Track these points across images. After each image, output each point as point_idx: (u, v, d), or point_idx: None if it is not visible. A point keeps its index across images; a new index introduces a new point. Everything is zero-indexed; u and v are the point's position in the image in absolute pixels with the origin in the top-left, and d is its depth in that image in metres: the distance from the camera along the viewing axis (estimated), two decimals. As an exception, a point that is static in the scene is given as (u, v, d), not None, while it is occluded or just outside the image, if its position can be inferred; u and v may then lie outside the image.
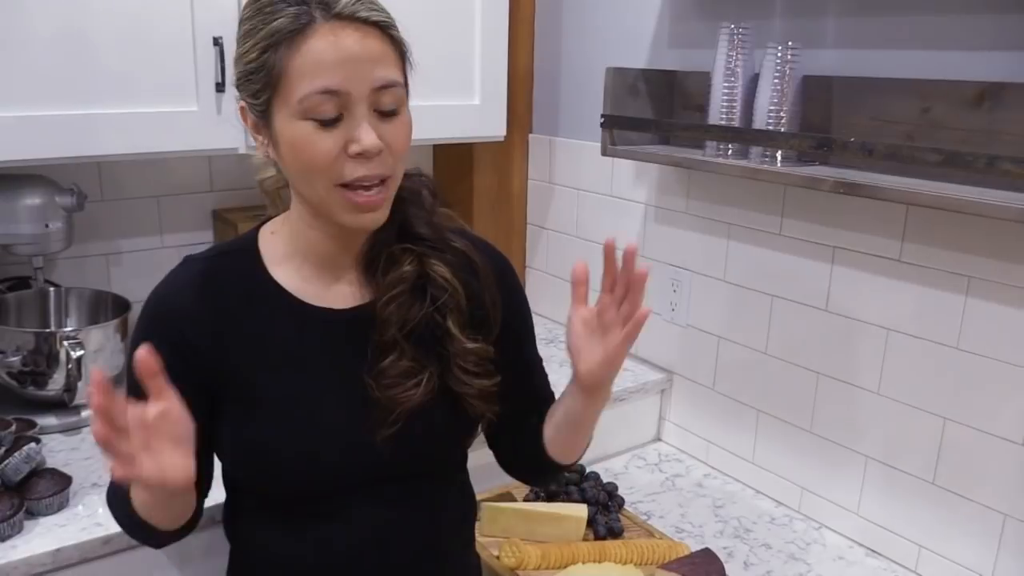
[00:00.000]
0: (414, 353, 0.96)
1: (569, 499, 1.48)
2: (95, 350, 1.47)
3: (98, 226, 1.76)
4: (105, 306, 1.65)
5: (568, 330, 0.98)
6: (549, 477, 1.15)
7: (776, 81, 1.38)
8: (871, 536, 1.48)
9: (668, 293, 1.81)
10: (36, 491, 1.22)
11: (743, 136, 1.45)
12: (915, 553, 1.41)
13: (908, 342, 1.37)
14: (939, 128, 1.25)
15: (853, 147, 1.25)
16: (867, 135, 1.33)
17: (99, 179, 1.74)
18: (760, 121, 1.41)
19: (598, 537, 1.43)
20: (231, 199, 1.91)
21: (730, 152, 1.49)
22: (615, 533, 1.44)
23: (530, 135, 2.16)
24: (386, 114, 0.88)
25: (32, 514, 1.21)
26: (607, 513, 1.47)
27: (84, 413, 1.49)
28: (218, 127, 1.50)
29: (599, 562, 1.33)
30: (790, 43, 1.38)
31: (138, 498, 0.90)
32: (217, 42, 1.46)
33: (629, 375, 1.85)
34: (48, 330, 1.61)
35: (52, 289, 1.66)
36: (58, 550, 1.16)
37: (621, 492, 1.55)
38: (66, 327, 1.65)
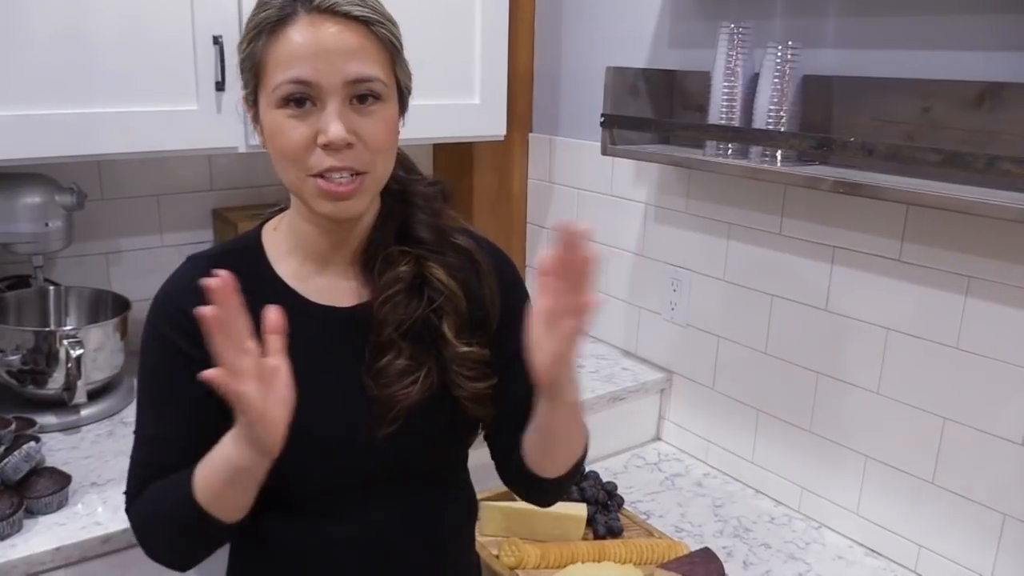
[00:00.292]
0: (412, 352, 0.96)
1: (568, 498, 1.48)
2: (95, 349, 1.47)
3: (98, 225, 1.76)
4: (105, 305, 1.65)
5: (529, 323, 0.89)
6: (536, 491, 1.08)
7: (776, 81, 1.38)
8: (870, 535, 1.48)
9: (668, 292, 1.81)
10: (36, 490, 1.22)
11: (743, 136, 1.45)
12: (914, 552, 1.41)
13: (908, 342, 1.37)
14: (939, 128, 1.25)
15: (853, 147, 1.25)
16: (867, 135, 1.33)
17: (99, 178, 1.74)
18: (760, 121, 1.41)
19: (597, 536, 1.43)
20: (231, 198, 1.91)
21: (730, 152, 1.49)
22: (614, 532, 1.44)
23: (530, 134, 2.16)
24: (364, 107, 0.88)
25: (32, 513, 1.21)
26: (606, 512, 1.47)
27: (83, 412, 1.50)
28: (218, 126, 1.50)
29: (598, 561, 1.33)
30: (790, 43, 1.38)
31: (215, 472, 0.87)
32: (217, 41, 1.46)
33: (629, 374, 1.85)
34: (48, 329, 1.61)
35: (52, 288, 1.66)
36: (57, 548, 1.16)
37: (620, 491, 1.55)
38: (66, 326, 1.65)
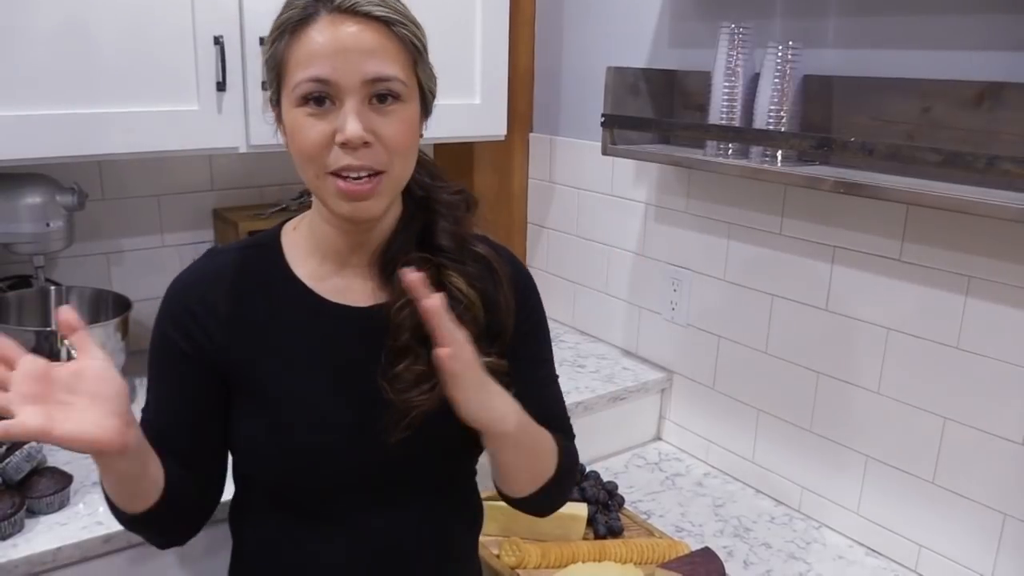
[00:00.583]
0: (429, 357, 0.94)
1: (569, 498, 1.48)
2: (96, 349, 1.47)
3: (99, 225, 1.76)
4: (106, 305, 1.65)
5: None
6: (515, 505, 1.09)
7: (776, 81, 1.38)
8: (871, 535, 1.48)
9: (668, 292, 1.81)
10: (37, 490, 1.22)
11: (743, 136, 1.45)
12: (915, 552, 1.41)
13: (908, 342, 1.37)
14: (939, 128, 1.25)
15: (853, 147, 1.25)
16: (867, 135, 1.33)
17: (100, 178, 1.74)
18: (760, 121, 1.41)
19: (598, 536, 1.44)
20: (231, 198, 1.91)
21: (730, 152, 1.49)
22: (615, 532, 1.44)
23: (530, 134, 2.16)
24: (383, 107, 0.88)
25: (33, 512, 1.21)
26: (607, 512, 1.48)
27: None
28: (219, 126, 1.50)
29: (599, 561, 1.34)
30: (790, 43, 1.38)
31: (104, 479, 0.88)
32: (218, 41, 1.46)
33: (629, 374, 1.85)
34: (49, 329, 1.61)
35: (53, 288, 1.66)
36: (59, 548, 1.16)
37: (621, 491, 1.56)
38: (67, 326, 1.64)
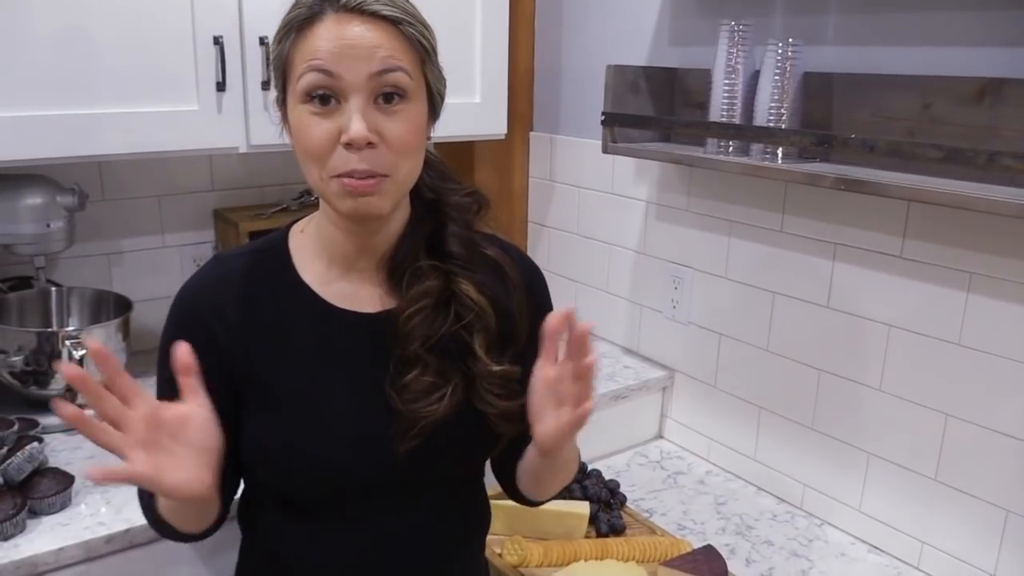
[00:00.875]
0: (438, 367, 0.95)
1: (571, 496, 1.48)
2: (97, 349, 1.47)
3: (99, 226, 1.76)
4: (107, 305, 1.65)
5: (531, 386, 0.90)
6: (524, 502, 1.11)
7: (777, 78, 1.38)
8: (873, 532, 1.48)
9: (669, 290, 1.81)
10: (39, 490, 1.22)
11: (744, 133, 1.45)
12: (917, 549, 1.41)
13: (910, 338, 1.37)
14: (940, 124, 1.25)
15: (854, 143, 1.25)
16: (868, 131, 1.33)
17: (100, 179, 1.74)
18: (761, 118, 1.41)
19: (600, 534, 1.44)
20: (232, 198, 1.91)
21: (731, 149, 1.49)
22: (617, 530, 1.44)
23: (531, 133, 2.16)
24: (389, 107, 0.87)
25: (35, 513, 1.21)
26: (609, 510, 1.48)
27: (86, 413, 1.49)
28: (219, 126, 1.50)
29: (601, 559, 1.34)
30: (791, 40, 1.38)
31: (162, 500, 0.90)
32: (217, 41, 1.46)
33: (631, 372, 1.85)
34: (50, 330, 1.62)
35: (54, 289, 1.66)
36: (61, 549, 1.16)
37: (623, 489, 1.56)
38: (68, 327, 1.65)
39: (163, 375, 0.98)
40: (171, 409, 0.79)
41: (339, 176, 0.87)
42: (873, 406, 1.44)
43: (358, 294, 0.98)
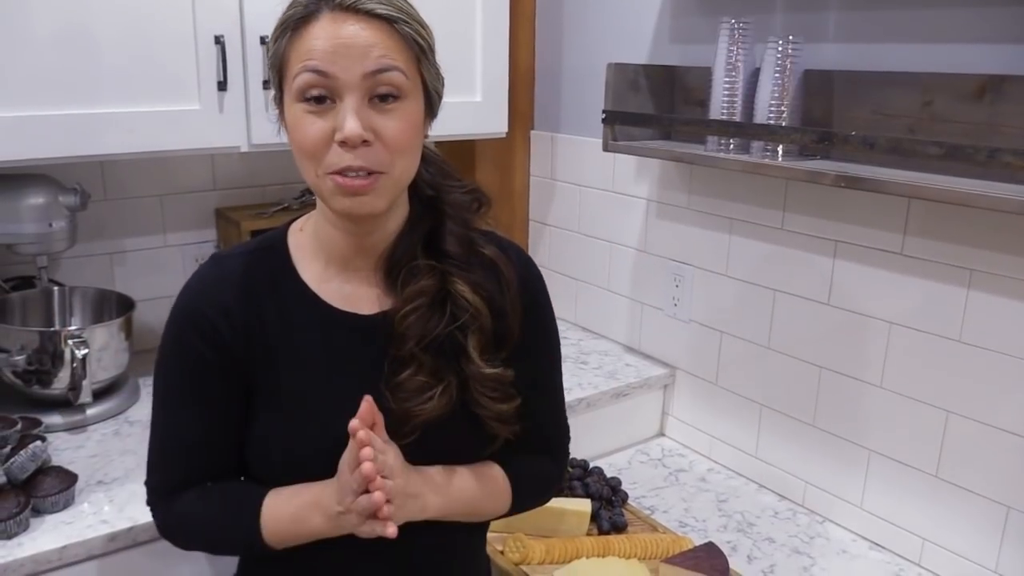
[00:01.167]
0: (432, 367, 0.95)
1: (573, 494, 1.48)
2: (100, 348, 1.48)
3: (102, 225, 1.76)
4: (109, 305, 1.65)
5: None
6: None
7: (777, 75, 1.38)
8: (874, 529, 1.48)
9: (670, 288, 1.81)
10: (42, 489, 1.22)
11: (744, 131, 1.45)
12: (918, 546, 1.41)
13: (911, 335, 1.37)
14: (940, 121, 1.25)
15: (854, 141, 1.25)
16: (868, 129, 1.33)
17: (102, 178, 1.75)
18: (761, 116, 1.41)
19: (602, 532, 1.44)
20: (234, 198, 1.91)
21: (731, 147, 1.49)
22: (619, 528, 1.44)
23: (532, 131, 2.16)
24: (384, 105, 0.87)
25: (38, 512, 1.22)
26: (611, 508, 1.48)
27: (89, 412, 1.50)
28: (220, 125, 1.50)
29: (603, 557, 1.34)
30: (791, 37, 1.38)
31: (295, 525, 0.94)
32: (219, 41, 1.46)
33: (632, 370, 1.85)
34: (53, 329, 1.62)
35: (56, 288, 1.66)
36: (64, 547, 1.16)
37: (625, 487, 1.56)
38: (70, 326, 1.65)
39: (168, 379, 0.98)
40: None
41: (334, 173, 0.87)
42: (874, 403, 1.44)
43: (356, 294, 0.98)
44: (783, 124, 1.39)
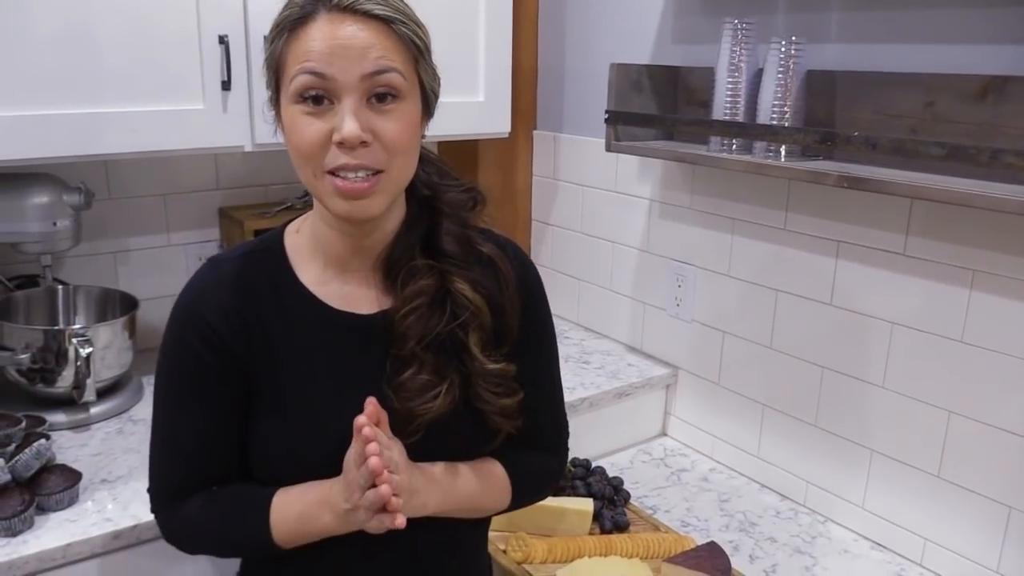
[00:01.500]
0: (434, 365, 0.95)
1: (575, 493, 1.48)
2: (103, 347, 1.48)
3: (105, 224, 1.77)
4: (113, 304, 1.66)
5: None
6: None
7: (780, 76, 1.39)
8: (876, 529, 1.48)
9: (673, 288, 1.81)
10: (46, 487, 1.23)
11: (747, 131, 1.45)
12: (920, 546, 1.41)
13: (913, 336, 1.37)
14: (943, 122, 1.25)
15: (857, 141, 1.25)
16: (871, 129, 1.33)
17: (106, 177, 1.75)
18: (764, 116, 1.41)
19: (604, 531, 1.44)
20: (237, 197, 1.92)
21: (734, 147, 1.49)
22: (621, 527, 1.45)
23: (534, 131, 2.17)
24: (382, 106, 0.87)
25: (42, 509, 1.22)
26: (613, 507, 1.48)
27: (93, 410, 1.51)
28: (224, 125, 1.51)
29: (605, 556, 1.34)
30: (794, 38, 1.38)
31: (304, 524, 0.94)
32: (223, 40, 1.47)
33: (634, 370, 1.85)
34: (57, 327, 1.62)
35: (60, 287, 1.67)
36: (68, 545, 1.17)
37: (627, 486, 1.56)
38: (74, 324, 1.65)
39: (168, 383, 0.98)
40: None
41: (332, 171, 0.87)
42: (876, 403, 1.44)
43: (355, 294, 0.98)
44: (786, 124, 1.39)
